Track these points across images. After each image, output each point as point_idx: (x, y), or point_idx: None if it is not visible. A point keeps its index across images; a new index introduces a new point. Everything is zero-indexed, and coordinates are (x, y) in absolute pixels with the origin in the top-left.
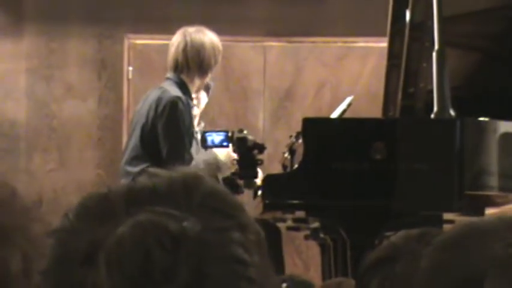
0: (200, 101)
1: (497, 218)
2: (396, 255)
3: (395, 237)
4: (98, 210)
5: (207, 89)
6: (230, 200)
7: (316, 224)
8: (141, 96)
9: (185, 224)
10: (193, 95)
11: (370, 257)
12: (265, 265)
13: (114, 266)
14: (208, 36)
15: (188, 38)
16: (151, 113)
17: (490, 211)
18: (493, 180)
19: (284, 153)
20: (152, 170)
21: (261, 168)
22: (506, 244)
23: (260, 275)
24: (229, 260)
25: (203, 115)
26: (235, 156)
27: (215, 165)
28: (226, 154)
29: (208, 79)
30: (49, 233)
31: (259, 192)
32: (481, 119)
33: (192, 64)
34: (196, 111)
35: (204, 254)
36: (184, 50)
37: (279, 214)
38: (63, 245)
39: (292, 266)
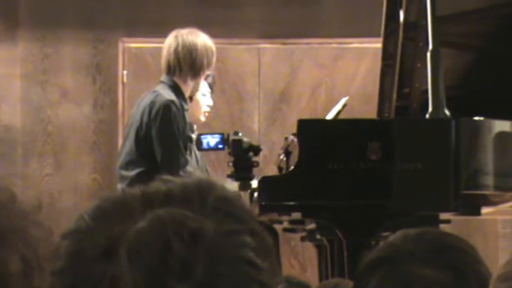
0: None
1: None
2: (395, 255)
3: (394, 237)
4: (115, 210)
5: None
6: (241, 206)
7: (312, 226)
8: (136, 100)
9: (201, 223)
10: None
11: (368, 257)
12: (274, 271)
13: (135, 256)
14: (200, 38)
15: (180, 39)
16: (145, 118)
17: (486, 210)
18: (489, 180)
19: (279, 155)
20: (165, 176)
21: (256, 171)
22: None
23: (270, 280)
24: (242, 262)
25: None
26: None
27: None
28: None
29: (202, 80)
30: (63, 235)
31: (255, 195)
32: (476, 118)
33: (184, 65)
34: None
35: (218, 254)
36: (176, 50)
37: (275, 216)
38: (79, 243)
39: (289, 267)
